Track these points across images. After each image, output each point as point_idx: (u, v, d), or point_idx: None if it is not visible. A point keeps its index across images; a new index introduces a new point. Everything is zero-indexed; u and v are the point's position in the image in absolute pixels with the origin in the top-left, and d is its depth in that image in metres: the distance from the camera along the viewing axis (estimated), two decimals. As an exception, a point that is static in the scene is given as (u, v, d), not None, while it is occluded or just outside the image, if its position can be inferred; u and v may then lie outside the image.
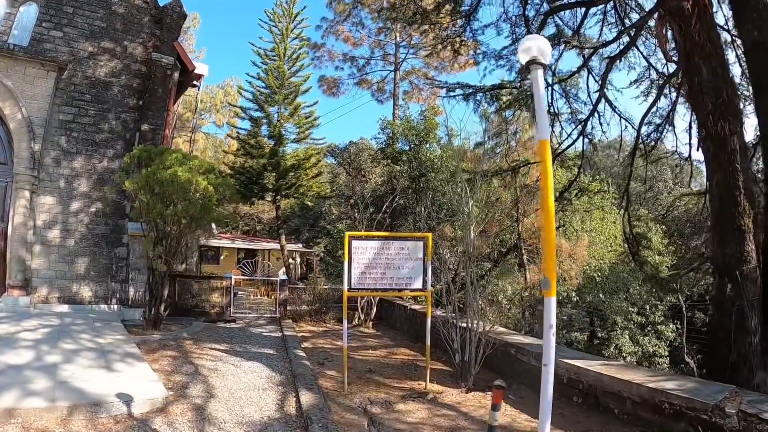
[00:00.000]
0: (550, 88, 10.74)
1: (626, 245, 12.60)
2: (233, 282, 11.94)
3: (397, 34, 26.75)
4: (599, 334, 15.87)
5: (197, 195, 8.46)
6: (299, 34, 22.29)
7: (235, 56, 72.02)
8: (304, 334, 10.15)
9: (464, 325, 6.67)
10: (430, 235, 6.47)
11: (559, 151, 11.30)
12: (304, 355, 7.70)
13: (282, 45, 21.54)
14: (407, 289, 6.44)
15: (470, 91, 11.03)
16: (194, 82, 14.41)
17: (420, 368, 7.33)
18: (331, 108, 64.76)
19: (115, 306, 9.56)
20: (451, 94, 11.22)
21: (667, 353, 15.27)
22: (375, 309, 11.68)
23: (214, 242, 24.82)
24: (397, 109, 25.81)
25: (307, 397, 5.42)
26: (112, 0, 10.50)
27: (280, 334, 9.78)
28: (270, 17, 21.62)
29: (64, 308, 9.09)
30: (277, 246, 23.81)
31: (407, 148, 16.92)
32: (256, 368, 6.91)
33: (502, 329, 7.71)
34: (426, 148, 16.23)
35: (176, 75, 11.78)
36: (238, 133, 22.78)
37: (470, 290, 6.74)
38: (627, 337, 14.96)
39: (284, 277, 13.23)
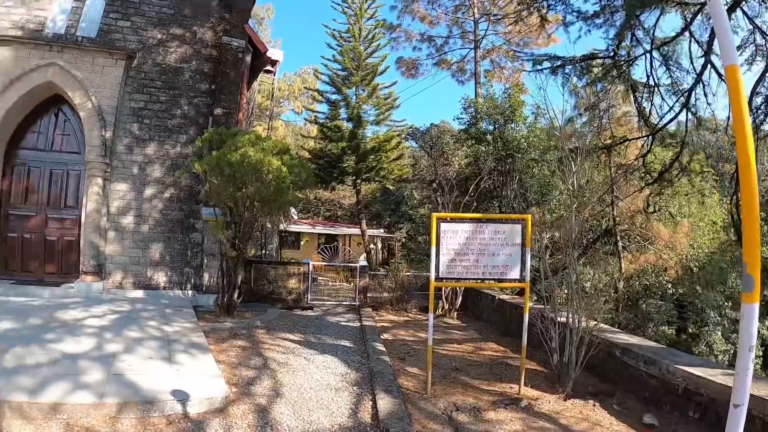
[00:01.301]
0: (648, 54, 9.27)
1: (733, 233, 11.17)
2: (311, 268, 11.47)
3: (475, 10, 25.16)
4: (689, 330, 14.14)
5: (270, 176, 7.92)
6: (373, 14, 21.71)
7: (311, 46, 73.51)
8: (384, 324, 9.42)
9: (562, 320, 5.70)
10: (529, 217, 5.51)
11: (659, 126, 9.71)
12: (383, 349, 6.91)
13: (356, 26, 21.06)
14: (503, 280, 5.52)
15: (558, 63, 9.81)
16: (269, 67, 14.15)
17: (511, 368, 6.42)
18: (411, 91, 63.90)
19: (190, 292, 9.36)
20: (538, 67, 10.07)
21: (761, 353, 13.35)
22: (461, 298, 10.76)
23: (294, 228, 24.99)
24: (479, 88, 24.34)
25: (384, 402, 4.62)
26: (178, -14, 10.26)
27: (358, 323, 9.12)
28: (342, -2, 21.13)
29: (138, 294, 9.01)
30: (357, 231, 23.49)
31: (492, 127, 15.79)
32: (330, 363, 6.23)
33: (604, 326, 6.65)
34: (511, 128, 15.06)
35: (248, 58, 11.49)
36: (316, 117, 22.65)
37: (572, 282, 5.74)
38: (719, 333, 13.21)
39: (364, 263, 12.61)
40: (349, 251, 24.59)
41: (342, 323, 9.25)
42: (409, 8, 25.92)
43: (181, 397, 4.33)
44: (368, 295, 11.67)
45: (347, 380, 5.59)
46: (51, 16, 9.36)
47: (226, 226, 8.40)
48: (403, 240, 24.30)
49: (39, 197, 9.18)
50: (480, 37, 25.75)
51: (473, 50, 25.80)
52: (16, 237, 9.06)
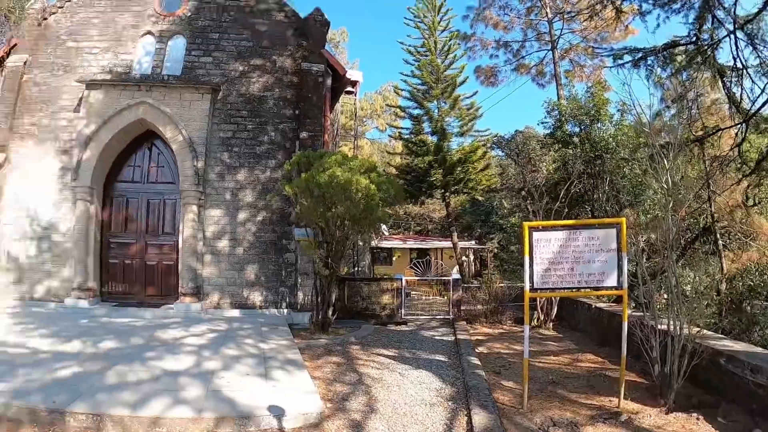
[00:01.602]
0: (732, 35, 8.54)
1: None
2: (404, 283, 11.37)
3: (548, 10, 24.19)
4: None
5: (359, 195, 7.95)
6: (447, 26, 21.64)
7: (388, 63, 74.96)
8: (479, 337, 9.04)
9: (662, 327, 5.27)
10: (623, 220, 5.18)
11: (752, 111, 8.79)
12: (478, 362, 6.60)
13: (431, 39, 21.09)
14: (600, 288, 5.19)
15: (639, 55, 9.34)
16: (349, 88, 14.41)
17: (610, 379, 5.94)
18: (492, 100, 62.86)
19: (285, 310, 9.63)
20: (619, 62, 9.65)
21: None
22: (556, 308, 10.13)
23: (385, 243, 25.16)
24: (560, 89, 23.27)
25: (479, 417, 4.36)
26: (254, 20, 10.83)
27: (452, 337, 8.82)
28: (414, 13, 21.31)
29: (235, 313, 9.41)
30: (449, 244, 23.14)
31: (578, 129, 14.97)
32: (424, 378, 6.02)
33: (707, 332, 6.01)
34: (598, 127, 14.17)
35: (329, 81, 11.74)
36: (400, 133, 22.86)
37: (671, 286, 5.28)
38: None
39: (457, 275, 12.32)
40: (442, 265, 24.29)
41: (436, 337, 8.99)
42: (481, 16, 25.53)
43: (277, 412, 4.34)
44: (462, 308, 11.31)
45: (442, 395, 5.36)
46: (137, 59, 10.34)
47: (318, 246, 8.56)
48: (495, 251, 23.57)
49: (138, 225, 10.06)
50: (556, 37, 24.68)
51: (550, 51, 24.79)
52: (117, 263, 9.97)
